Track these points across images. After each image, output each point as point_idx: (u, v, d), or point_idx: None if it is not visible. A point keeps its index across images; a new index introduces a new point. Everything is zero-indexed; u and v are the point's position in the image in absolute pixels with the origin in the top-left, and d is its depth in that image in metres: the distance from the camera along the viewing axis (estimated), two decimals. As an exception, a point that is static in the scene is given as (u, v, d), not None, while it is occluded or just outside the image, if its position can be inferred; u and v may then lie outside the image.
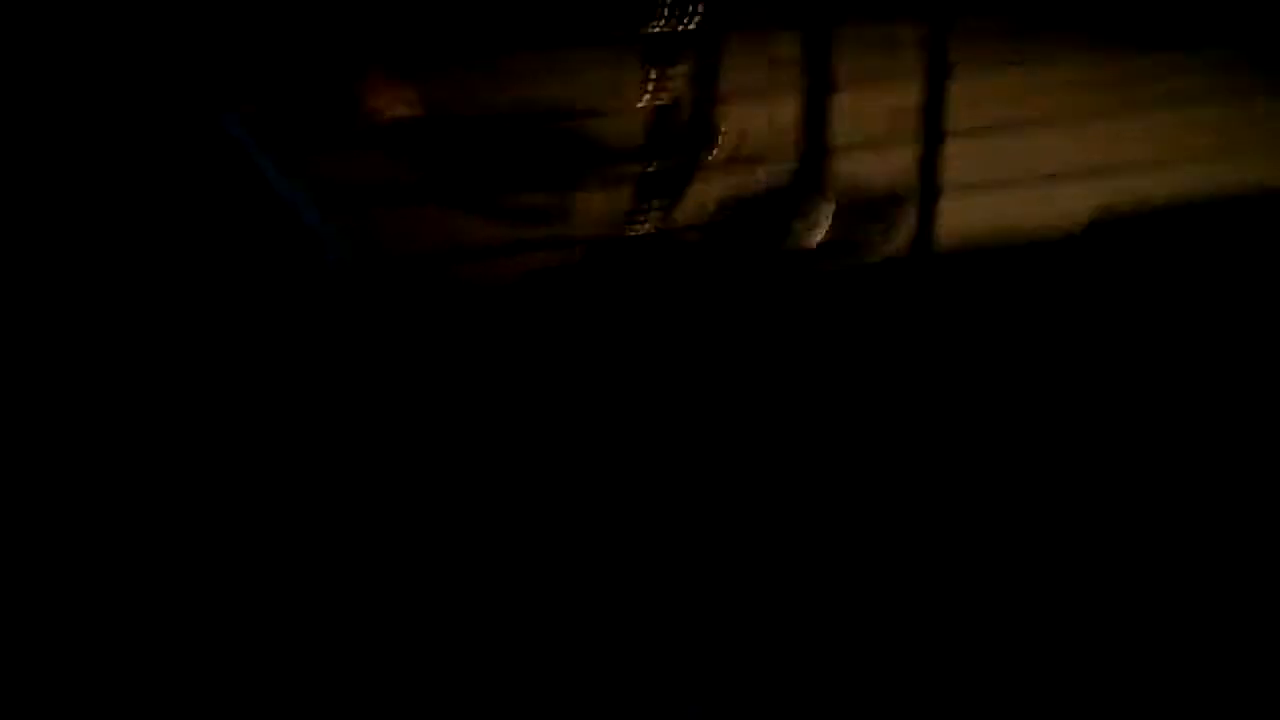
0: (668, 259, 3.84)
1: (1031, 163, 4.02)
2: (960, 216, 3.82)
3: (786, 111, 3.94)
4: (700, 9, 3.98)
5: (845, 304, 3.70)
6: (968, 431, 3.25)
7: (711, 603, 2.72)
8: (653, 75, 4.19)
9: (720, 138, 4.32)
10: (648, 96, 3.89)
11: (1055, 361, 3.46)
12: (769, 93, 4.04)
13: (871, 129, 3.80)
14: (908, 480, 3.09)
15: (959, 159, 3.76)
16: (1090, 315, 3.58)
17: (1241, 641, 2.65)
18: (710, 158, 4.18)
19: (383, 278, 3.60)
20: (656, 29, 3.90)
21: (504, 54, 4.49)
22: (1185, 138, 4.26)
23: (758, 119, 4.16)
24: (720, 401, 3.34)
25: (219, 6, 4.49)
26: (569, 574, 2.80)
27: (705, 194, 4.04)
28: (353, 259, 3.65)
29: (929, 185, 3.73)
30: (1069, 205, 3.95)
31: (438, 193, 4.06)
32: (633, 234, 3.77)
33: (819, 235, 3.92)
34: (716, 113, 4.19)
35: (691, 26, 3.93)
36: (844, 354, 3.51)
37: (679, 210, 3.96)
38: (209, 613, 2.66)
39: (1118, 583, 2.79)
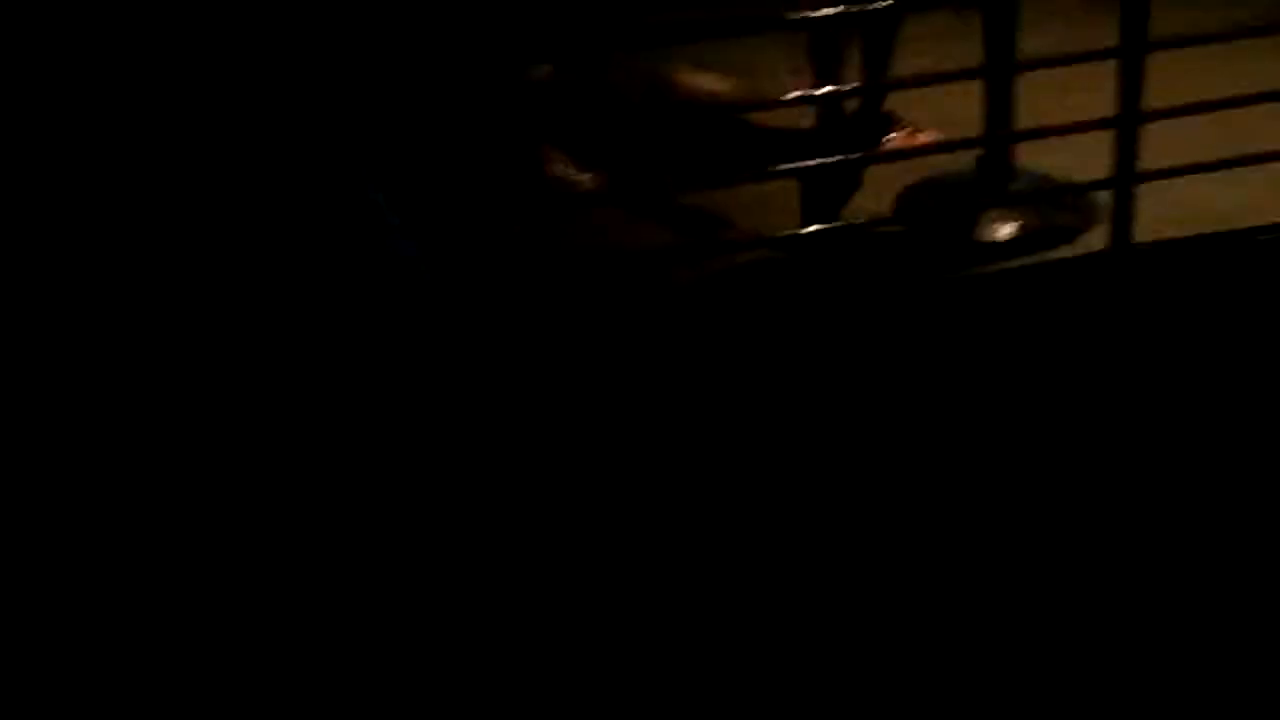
0: (847, 254, 3.65)
1: (1234, 145, 3.75)
2: (1159, 205, 3.59)
3: (969, 96, 3.72)
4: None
5: (1035, 302, 3.49)
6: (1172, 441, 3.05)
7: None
8: (825, 60, 4.01)
9: (897, 125, 4.13)
10: (820, 84, 3.71)
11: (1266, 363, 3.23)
12: (951, 75, 3.81)
13: (1062, 112, 3.56)
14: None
15: (1156, 143, 3.54)
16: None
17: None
18: (888, 146, 3.99)
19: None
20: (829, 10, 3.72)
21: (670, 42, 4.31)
22: None
23: (940, 104, 3.95)
24: (911, 402, 3.17)
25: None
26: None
27: (884, 185, 3.85)
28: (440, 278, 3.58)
29: (1125, 172, 3.51)
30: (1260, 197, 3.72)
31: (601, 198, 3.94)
32: (808, 230, 3.58)
33: (1008, 228, 3.72)
34: (891, 99, 4.01)
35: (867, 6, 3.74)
36: (1034, 355, 3.31)
37: (857, 202, 3.77)
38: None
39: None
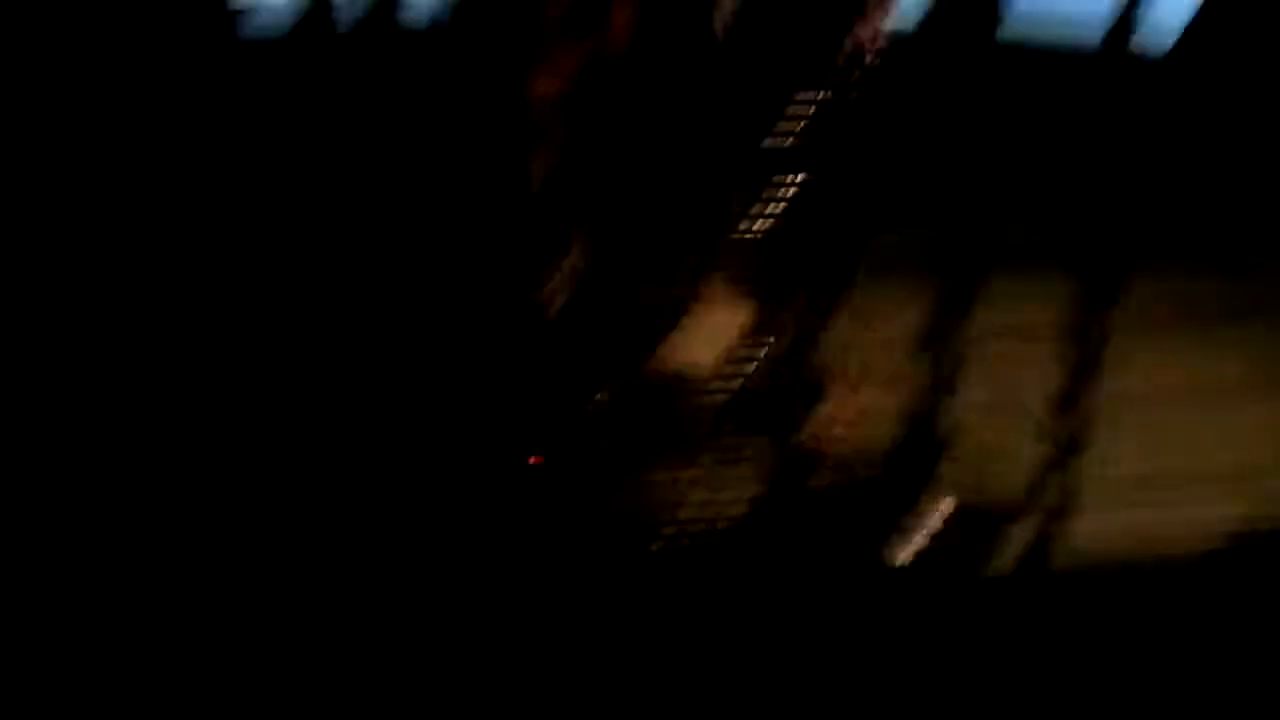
0: (738, 561, 3.36)
1: (1167, 463, 3.50)
2: (1085, 526, 3.31)
3: (891, 395, 3.44)
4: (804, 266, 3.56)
5: (949, 629, 3.19)
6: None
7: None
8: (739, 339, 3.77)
9: (809, 420, 3.86)
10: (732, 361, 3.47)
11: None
12: (873, 371, 3.56)
13: (990, 422, 3.31)
14: None
15: (1089, 460, 3.28)
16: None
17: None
18: (797, 442, 3.71)
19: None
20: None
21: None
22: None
23: (855, 401, 3.70)
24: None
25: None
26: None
27: (786, 484, 3.55)
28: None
29: (1053, 490, 3.25)
30: (1207, 514, 3.44)
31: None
32: (697, 531, 3.29)
33: (918, 544, 3.42)
34: (807, 391, 3.73)
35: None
36: (944, 691, 3.01)
37: (751, 505, 3.47)
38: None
39: None
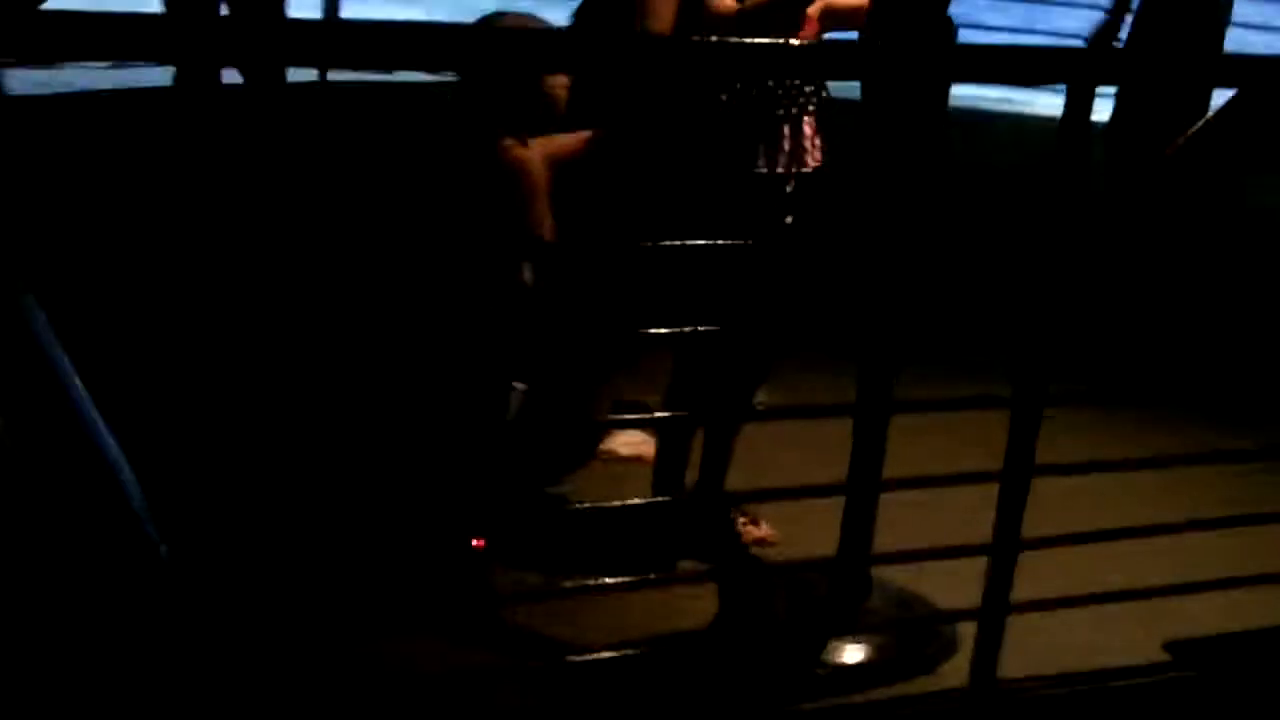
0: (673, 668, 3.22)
1: (1099, 579, 3.43)
2: (1020, 641, 3.21)
3: (826, 504, 3.33)
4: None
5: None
6: None
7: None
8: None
9: (745, 525, 3.77)
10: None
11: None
12: (808, 476, 3.47)
13: (928, 530, 3.22)
14: None
15: (1027, 574, 3.18)
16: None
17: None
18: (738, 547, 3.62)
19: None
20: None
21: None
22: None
23: (794, 510, 3.62)
24: None
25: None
26: None
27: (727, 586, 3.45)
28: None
29: (993, 602, 3.14)
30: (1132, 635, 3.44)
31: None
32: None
33: (860, 653, 3.31)
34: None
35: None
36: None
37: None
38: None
39: None
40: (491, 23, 3.46)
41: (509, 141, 3.46)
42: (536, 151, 3.51)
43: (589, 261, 3.70)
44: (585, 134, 3.65)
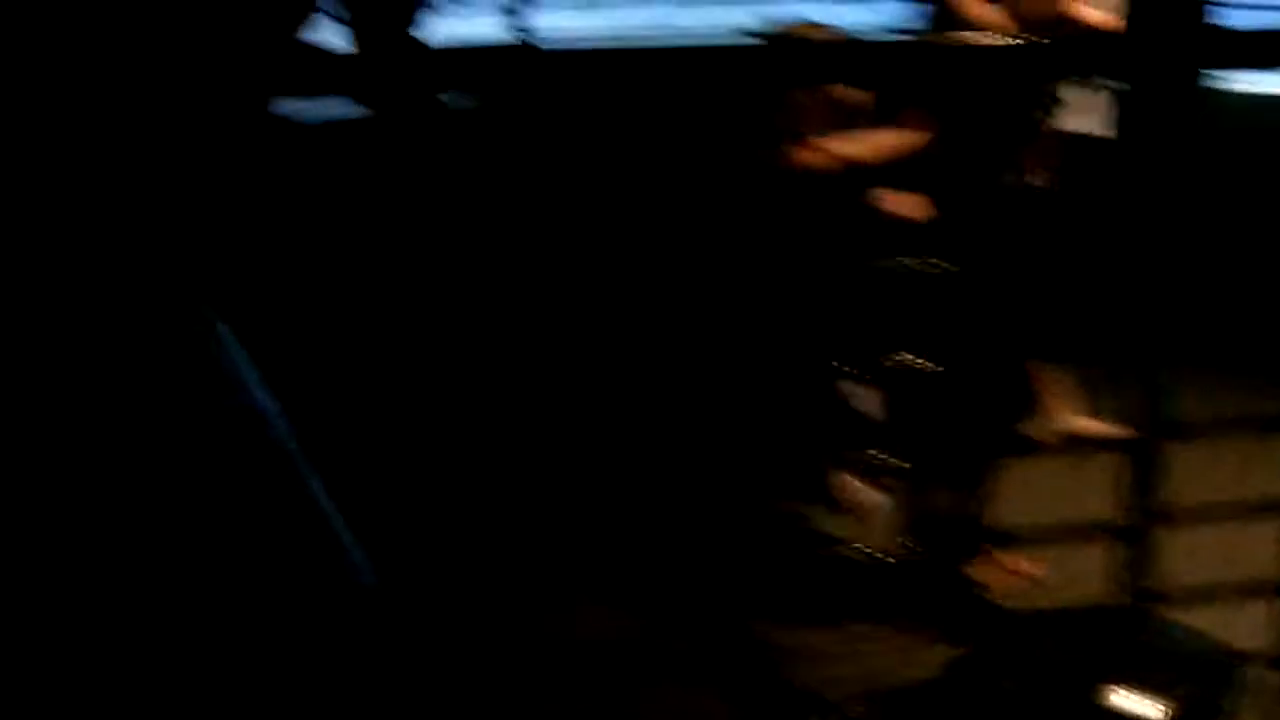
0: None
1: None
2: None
3: (1098, 547, 3.03)
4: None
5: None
6: None
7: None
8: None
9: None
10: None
11: None
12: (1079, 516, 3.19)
13: (1224, 571, 2.91)
14: None
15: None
16: None
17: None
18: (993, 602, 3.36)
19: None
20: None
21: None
22: None
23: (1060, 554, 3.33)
24: None
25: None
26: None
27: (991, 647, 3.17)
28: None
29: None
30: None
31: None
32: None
33: (1134, 702, 2.99)
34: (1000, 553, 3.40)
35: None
36: None
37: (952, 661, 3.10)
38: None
39: None
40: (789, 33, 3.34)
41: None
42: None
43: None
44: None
